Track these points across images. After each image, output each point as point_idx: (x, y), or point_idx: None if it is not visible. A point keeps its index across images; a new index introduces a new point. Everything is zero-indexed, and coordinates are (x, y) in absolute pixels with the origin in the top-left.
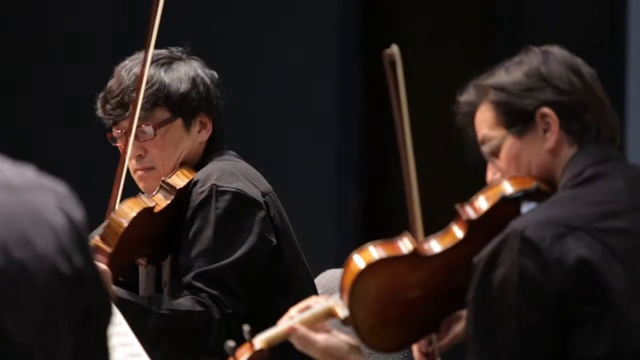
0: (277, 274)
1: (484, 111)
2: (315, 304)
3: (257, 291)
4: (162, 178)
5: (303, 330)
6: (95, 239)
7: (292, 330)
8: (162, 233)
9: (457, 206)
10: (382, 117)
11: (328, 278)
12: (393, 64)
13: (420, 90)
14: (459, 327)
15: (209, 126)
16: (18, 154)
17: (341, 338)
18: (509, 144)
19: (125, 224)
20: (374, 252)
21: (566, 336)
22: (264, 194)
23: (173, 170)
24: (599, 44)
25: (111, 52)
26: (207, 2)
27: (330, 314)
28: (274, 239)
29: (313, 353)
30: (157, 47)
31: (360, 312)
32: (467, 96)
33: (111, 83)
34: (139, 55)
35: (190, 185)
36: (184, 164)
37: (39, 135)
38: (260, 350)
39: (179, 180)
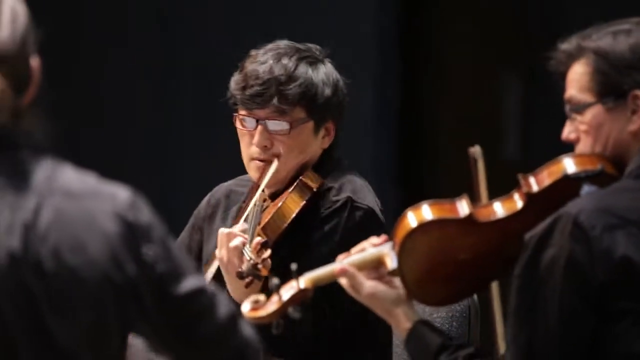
0: None
1: (578, 70)
2: (369, 248)
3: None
4: (300, 177)
5: (353, 270)
6: (258, 229)
7: (342, 272)
8: None
9: (520, 176)
10: (421, 116)
11: None
12: (476, 161)
13: (459, 86)
14: None
15: (332, 134)
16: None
17: (390, 287)
18: (595, 112)
19: (287, 222)
20: (427, 212)
21: (604, 329)
22: (381, 211)
23: (295, 171)
24: None
25: None
26: (247, 3)
27: (379, 262)
28: None
29: (360, 297)
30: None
31: (409, 267)
32: (567, 45)
33: (254, 67)
34: (283, 44)
35: (323, 189)
36: (304, 167)
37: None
38: (305, 290)
39: (312, 182)
